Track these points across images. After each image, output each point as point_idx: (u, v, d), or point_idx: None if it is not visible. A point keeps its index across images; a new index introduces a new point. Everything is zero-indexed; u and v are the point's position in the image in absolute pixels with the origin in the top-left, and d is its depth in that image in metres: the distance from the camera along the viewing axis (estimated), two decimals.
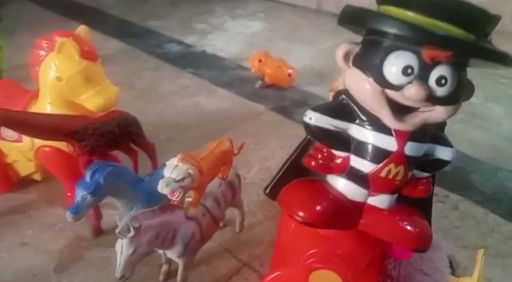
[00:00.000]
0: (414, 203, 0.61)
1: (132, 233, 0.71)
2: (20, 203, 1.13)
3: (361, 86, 0.52)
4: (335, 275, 0.60)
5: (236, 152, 0.95)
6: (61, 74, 0.96)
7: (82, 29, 1.00)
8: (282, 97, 1.74)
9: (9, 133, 1.04)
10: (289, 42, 2.34)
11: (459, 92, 0.53)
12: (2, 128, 1.03)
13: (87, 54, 0.97)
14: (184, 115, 1.58)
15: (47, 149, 1.04)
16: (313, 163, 0.57)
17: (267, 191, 0.64)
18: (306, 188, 0.60)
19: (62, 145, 1.01)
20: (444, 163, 0.59)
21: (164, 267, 0.92)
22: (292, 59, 1.92)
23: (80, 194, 0.80)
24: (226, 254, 1.00)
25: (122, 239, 0.72)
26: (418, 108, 0.53)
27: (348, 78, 0.54)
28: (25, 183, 1.17)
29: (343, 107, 0.56)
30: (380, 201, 0.59)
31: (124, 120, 1.04)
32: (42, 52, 0.98)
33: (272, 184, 0.63)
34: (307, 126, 0.56)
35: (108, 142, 1.00)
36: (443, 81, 0.50)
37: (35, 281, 0.92)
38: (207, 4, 2.90)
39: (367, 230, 0.59)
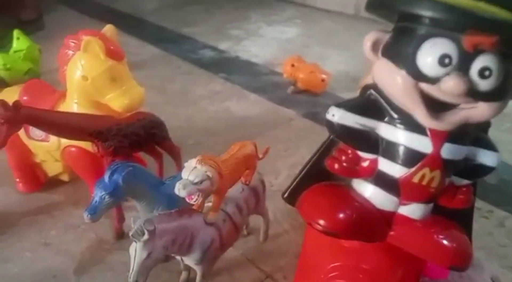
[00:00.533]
0: (452, 215, 0.53)
1: (146, 236, 0.68)
2: (46, 203, 1.13)
3: (391, 79, 0.47)
4: None
5: (260, 156, 0.90)
6: (86, 74, 0.95)
7: (108, 29, 0.99)
8: (315, 103, 1.68)
9: (37, 132, 1.04)
10: (324, 47, 2.28)
11: (506, 87, 0.46)
12: (31, 127, 1.03)
13: (113, 53, 0.96)
14: (214, 120, 1.55)
15: (73, 149, 1.03)
16: (336, 166, 0.52)
17: (285, 195, 0.58)
18: (328, 193, 0.54)
19: (87, 145, 1.00)
20: (487, 169, 0.51)
21: (183, 274, 0.88)
22: (327, 64, 1.86)
23: (98, 194, 0.78)
24: (248, 264, 0.95)
25: (136, 242, 0.68)
26: (458, 105, 0.46)
27: (377, 71, 0.49)
28: (53, 183, 1.18)
29: (370, 103, 0.50)
30: (413, 210, 0.52)
31: (149, 122, 1.02)
32: (70, 52, 0.98)
33: (291, 188, 0.58)
34: (330, 124, 0.50)
35: (132, 143, 0.98)
36: (487, 72, 0.44)
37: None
38: (242, 11, 2.89)
39: (397, 244, 0.53)
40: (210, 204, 0.80)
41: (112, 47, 0.96)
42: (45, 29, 2.42)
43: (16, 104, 0.83)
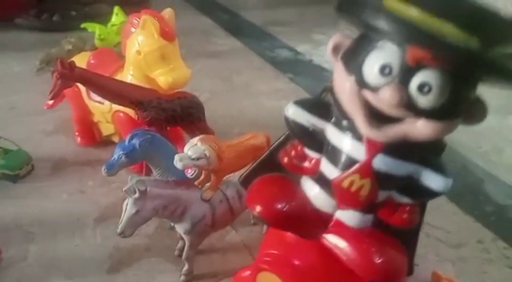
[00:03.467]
0: (398, 235, 0.52)
1: (137, 195, 0.76)
2: (94, 157, 1.28)
3: (341, 84, 0.47)
4: None
5: None
6: (140, 49, 1.06)
7: (168, 12, 1.10)
8: None
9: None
10: None
11: (452, 107, 0.44)
12: None
13: (166, 34, 1.05)
14: (264, 115, 1.60)
15: (121, 114, 1.16)
16: (285, 159, 0.54)
17: (240, 179, 0.62)
18: (273, 184, 0.56)
19: (133, 113, 1.12)
20: (431, 192, 0.49)
21: (180, 243, 0.95)
22: None
23: (117, 153, 0.88)
24: (244, 250, 0.99)
25: (128, 198, 0.77)
26: (401, 119, 0.45)
27: (334, 74, 0.50)
28: (105, 142, 1.32)
29: (323, 104, 0.51)
30: (349, 217, 0.52)
31: (188, 102, 1.11)
32: (132, 28, 1.10)
33: (245, 173, 0.61)
34: (285, 119, 0.53)
35: (168, 117, 1.07)
36: (425, 88, 0.42)
37: (75, 224, 1.04)
38: (334, 18, 2.88)
39: (328, 245, 0.53)
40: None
41: (166, 29, 1.06)
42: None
43: (71, 64, 0.96)
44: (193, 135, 1.17)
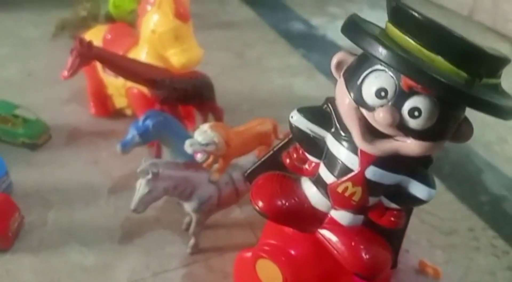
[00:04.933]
0: (385, 234, 0.58)
1: (149, 176, 0.81)
2: (107, 128, 1.33)
3: (342, 99, 0.51)
4: (278, 271, 0.61)
5: (280, 136, 0.98)
6: (155, 28, 1.09)
7: None
8: None
9: None
10: None
11: (439, 129, 0.48)
12: None
13: (181, 15, 1.08)
14: (274, 93, 1.63)
15: (135, 90, 1.20)
16: (287, 161, 0.59)
17: (246, 174, 0.67)
18: (277, 182, 0.61)
19: (145, 89, 1.16)
20: (417, 200, 0.54)
21: (187, 218, 1.01)
22: None
23: (131, 132, 0.93)
24: (247, 227, 1.05)
25: (141, 178, 0.82)
26: (392, 136, 0.50)
27: (336, 89, 0.54)
28: (118, 114, 1.37)
29: (325, 114, 0.56)
30: (342, 216, 0.57)
31: (199, 82, 1.14)
32: (148, 6, 1.12)
33: (251, 168, 0.66)
34: (289, 124, 0.57)
35: (180, 97, 1.12)
36: (416, 113, 0.47)
37: (90, 193, 1.11)
38: None
39: (322, 240, 0.59)
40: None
41: (181, 10, 1.08)
42: None
43: (90, 43, 0.99)
44: (203, 114, 1.22)
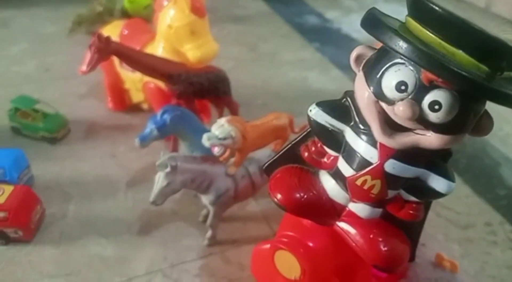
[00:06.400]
0: (403, 227, 0.58)
1: (168, 169, 0.83)
2: (124, 123, 1.35)
3: (361, 93, 0.52)
4: (297, 262, 0.62)
5: (296, 130, 0.98)
6: (172, 23, 1.10)
7: None
8: None
9: None
10: None
11: (459, 123, 0.48)
12: None
13: (197, 10, 1.09)
14: (288, 86, 1.63)
15: (151, 84, 1.22)
16: (306, 154, 0.59)
17: (264, 167, 0.68)
18: (294, 175, 0.61)
19: (162, 84, 1.17)
20: (436, 193, 0.54)
21: (204, 211, 1.03)
22: None
23: (149, 126, 0.95)
24: (262, 220, 1.06)
25: (160, 171, 0.84)
26: (412, 129, 0.50)
27: (356, 82, 0.54)
28: (135, 108, 1.39)
29: (343, 108, 0.56)
30: (360, 209, 0.58)
31: (215, 76, 1.15)
32: (165, 2, 1.13)
33: (269, 162, 0.67)
34: (308, 118, 0.58)
35: (195, 91, 1.13)
36: (436, 106, 0.47)
37: (109, 186, 1.13)
38: None
39: (340, 232, 0.59)
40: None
41: (197, 5, 1.09)
42: None
43: (108, 38, 1.01)
44: (219, 108, 1.23)
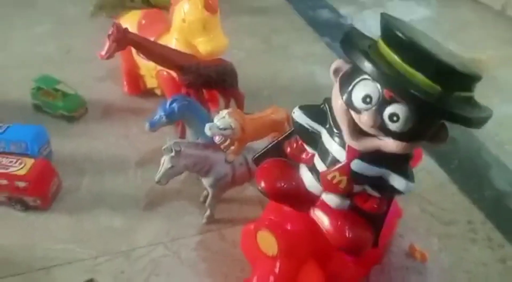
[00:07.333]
0: (369, 218, 0.67)
1: (172, 153, 0.92)
2: (138, 106, 1.45)
3: (336, 101, 0.60)
4: (275, 242, 0.71)
5: None
6: (185, 17, 1.18)
7: None
8: None
9: None
10: (445, 39, 2.18)
11: (415, 132, 0.56)
12: None
13: (210, 7, 1.16)
14: (295, 80, 1.70)
15: (164, 73, 1.30)
16: (288, 149, 0.68)
17: (254, 158, 0.77)
18: (279, 167, 0.71)
19: (174, 74, 1.26)
20: (395, 190, 0.63)
21: (205, 192, 1.12)
22: None
23: (158, 113, 1.04)
24: (258, 204, 1.14)
25: (165, 155, 0.93)
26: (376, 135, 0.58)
27: (333, 91, 0.62)
28: (149, 93, 1.48)
29: (322, 112, 0.65)
30: (331, 199, 0.67)
31: (223, 69, 1.23)
32: None
33: (258, 154, 0.76)
34: (292, 119, 0.66)
35: (204, 82, 1.21)
36: (395, 118, 0.55)
37: (120, 164, 1.23)
38: None
39: (313, 218, 0.68)
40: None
41: (210, 2, 1.16)
42: None
43: (126, 29, 1.10)
44: (226, 98, 1.31)
